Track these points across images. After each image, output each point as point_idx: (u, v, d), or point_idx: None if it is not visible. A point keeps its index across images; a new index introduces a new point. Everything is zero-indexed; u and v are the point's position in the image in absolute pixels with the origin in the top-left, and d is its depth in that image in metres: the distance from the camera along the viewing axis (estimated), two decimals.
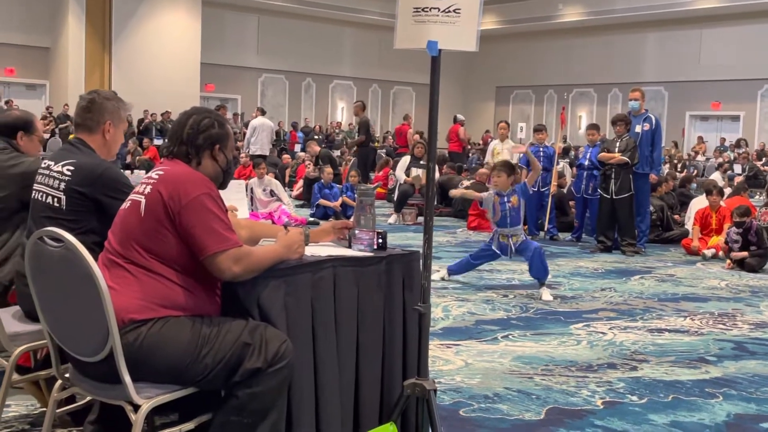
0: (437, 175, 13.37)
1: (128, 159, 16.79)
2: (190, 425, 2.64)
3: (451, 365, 4.68)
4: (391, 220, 12.27)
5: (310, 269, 2.86)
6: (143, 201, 2.66)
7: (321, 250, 3.11)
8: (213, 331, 2.61)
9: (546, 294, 6.86)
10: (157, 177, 2.71)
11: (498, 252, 7.12)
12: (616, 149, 9.76)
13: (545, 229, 11.01)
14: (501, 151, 11.31)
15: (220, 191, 2.79)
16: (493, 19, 30.89)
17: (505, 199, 7.02)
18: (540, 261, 6.84)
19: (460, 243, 10.39)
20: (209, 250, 2.60)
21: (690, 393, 4.33)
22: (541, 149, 11.17)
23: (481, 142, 25.42)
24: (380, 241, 3.20)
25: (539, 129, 11.63)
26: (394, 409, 3.03)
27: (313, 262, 2.90)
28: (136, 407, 2.50)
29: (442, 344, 5.15)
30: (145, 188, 2.69)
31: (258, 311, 2.71)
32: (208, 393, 2.72)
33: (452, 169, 15.58)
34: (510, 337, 5.44)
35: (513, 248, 7.00)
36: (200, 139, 2.79)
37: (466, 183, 13.73)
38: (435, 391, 3.02)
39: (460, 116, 19.51)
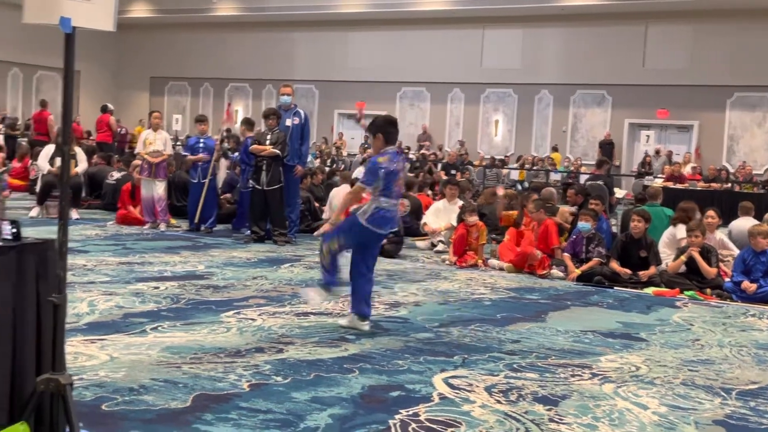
0: (86, 165, 12.71)
1: None
2: None
3: (95, 360, 4.50)
4: (33, 213, 11.44)
5: None
6: None
7: None
8: None
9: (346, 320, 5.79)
10: None
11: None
12: (267, 142, 10.05)
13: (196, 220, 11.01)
14: (153, 141, 11.05)
15: None
16: (146, 7, 30.03)
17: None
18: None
19: (110, 236, 9.99)
20: None
21: (330, 370, 4.62)
22: (202, 140, 11.15)
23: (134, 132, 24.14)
24: (14, 230, 2.99)
25: (201, 120, 11.56)
26: (25, 407, 2.85)
27: None
28: None
29: (86, 340, 4.93)
30: None
31: None
32: None
33: (103, 160, 14.91)
34: (159, 328, 5.36)
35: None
36: None
37: (117, 175, 13.22)
38: (71, 385, 2.89)
39: (110, 106, 18.72)
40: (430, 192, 14.24)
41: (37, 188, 12.24)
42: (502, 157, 24.82)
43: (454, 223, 10.20)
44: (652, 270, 8.54)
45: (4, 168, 13.89)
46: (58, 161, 11.42)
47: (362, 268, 5.75)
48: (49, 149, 11.87)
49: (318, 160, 21.85)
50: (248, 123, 11.57)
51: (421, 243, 10.83)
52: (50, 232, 8.73)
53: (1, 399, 2.86)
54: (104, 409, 3.72)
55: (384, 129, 5.74)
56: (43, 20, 2.77)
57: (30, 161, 14.62)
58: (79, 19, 2.78)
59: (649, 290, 8.21)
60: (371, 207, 5.61)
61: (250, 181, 10.22)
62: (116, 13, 2.87)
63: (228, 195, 12.22)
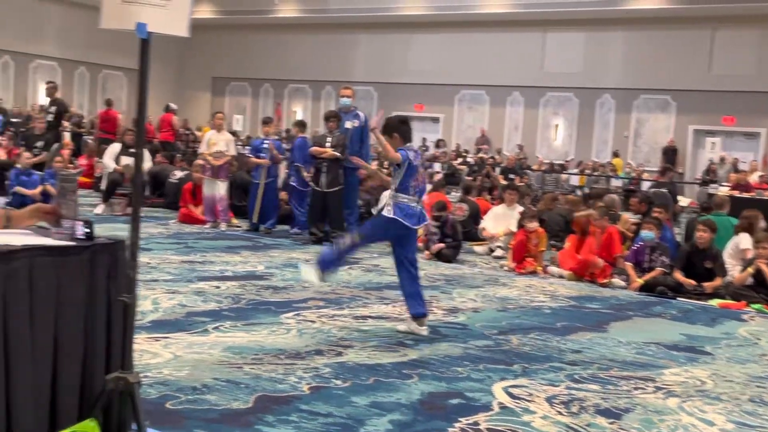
0: (150, 164, 12.96)
1: None
2: None
3: (159, 358, 4.57)
4: (99, 210, 11.68)
5: (1, 260, 2.65)
6: None
7: (15, 239, 2.89)
8: None
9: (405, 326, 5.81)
10: None
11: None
12: (328, 144, 10.10)
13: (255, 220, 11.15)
14: (217, 141, 11.20)
15: None
16: (209, 8, 30.48)
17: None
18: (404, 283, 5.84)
19: (172, 234, 10.15)
20: None
21: (389, 375, 4.61)
22: (266, 142, 11.30)
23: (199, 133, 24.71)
24: (87, 230, 3.05)
25: (266, 122, 11.81)
26: (95, 405, 2.90)
27: (5, 252, 2.69)
28: None
29: (150, 337, 5.01)
30: None
31: None
32: None
33: (165, 159, 15.18)
34: (221, 328, 5.43)
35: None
36: None
37: (180, 174, 13.44)
38: (139, 384, 2.94)
39: (172, 105, 19.06)
40: (488, 196, 14.14)
41: (102, 185, 12.50)
42: (562, 162, 24.52)
43: (513, 229, 10.12)
44: (718, 281, 8.34)
45: (77, 170, 14.25)
46: (123, 159, 11.66)
47: (405, 263, 5.77)
48: (115, 147, 12.11)
49: (376, 162, 21.86)
50: (301, 125, 11.96)
51: (479, 248, 10.76)
52: (115, 229, 8.92)
53: (72, 396, 2.91)
54: (168, 408, 3.78)
55: (399, 128, 5.94)
56: (120, 26, 2.81)
57: (96, 159, 14.95)
58: (154, 25, 2.82)
59: (714, 302, 8.02)
60: (391, 204, 5.73)
61: (310, 183, 10.34)
62: (190, 18, 2.91)
63: (284, 193, 12.31)
